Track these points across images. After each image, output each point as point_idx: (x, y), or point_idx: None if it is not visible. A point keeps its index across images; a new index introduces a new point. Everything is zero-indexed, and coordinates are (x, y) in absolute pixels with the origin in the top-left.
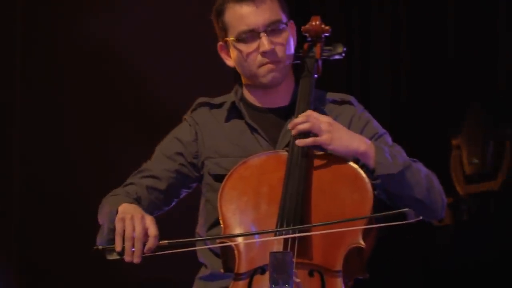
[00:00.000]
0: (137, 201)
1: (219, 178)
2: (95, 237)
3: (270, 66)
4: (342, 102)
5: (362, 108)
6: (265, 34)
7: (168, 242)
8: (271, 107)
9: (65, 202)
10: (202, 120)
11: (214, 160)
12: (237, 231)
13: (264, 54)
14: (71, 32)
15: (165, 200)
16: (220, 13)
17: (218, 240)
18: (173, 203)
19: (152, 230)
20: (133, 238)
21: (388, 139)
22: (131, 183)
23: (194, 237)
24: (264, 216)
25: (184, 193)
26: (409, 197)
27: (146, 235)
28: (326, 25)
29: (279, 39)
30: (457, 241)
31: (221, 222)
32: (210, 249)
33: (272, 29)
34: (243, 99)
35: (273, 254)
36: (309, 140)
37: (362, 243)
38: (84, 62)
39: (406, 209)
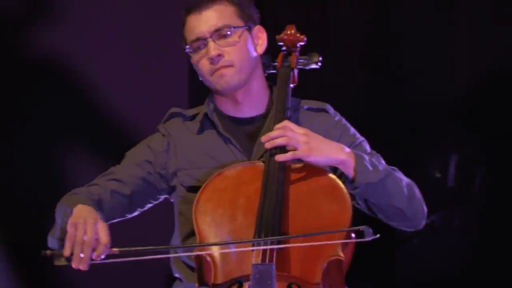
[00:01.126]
0: (99, 203)
1: (193, 189)
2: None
3: (220, 72)
4: (318, 110)
5: (339, 115)
6: (212, 40)
7: (119, 250)
8: (245, 116)
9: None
10: (175, 131)
11: (187, 171)
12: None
13: (211, 60)
14: (21, 42)
15: (128, 206)
16: (182, 28)
17: (194, 250)
18: (136, 212)
19: (103, 237)
20: (83, 244)
21: (366, 146)
22: (95, 184)
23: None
24: (240, 227)
25: (149, 204)
26: (389, 206)
27: (96, 241)
28: (301, 34)
29: (228, 44)
30: (421, 254)
31: (196, 234)
32: (184, 262)
33: (220, 34)
34: (216, 109)
35: (255, 266)
36: (288, 155)
37: (342, 255)
38: (33, 73)
39: (364, 226)
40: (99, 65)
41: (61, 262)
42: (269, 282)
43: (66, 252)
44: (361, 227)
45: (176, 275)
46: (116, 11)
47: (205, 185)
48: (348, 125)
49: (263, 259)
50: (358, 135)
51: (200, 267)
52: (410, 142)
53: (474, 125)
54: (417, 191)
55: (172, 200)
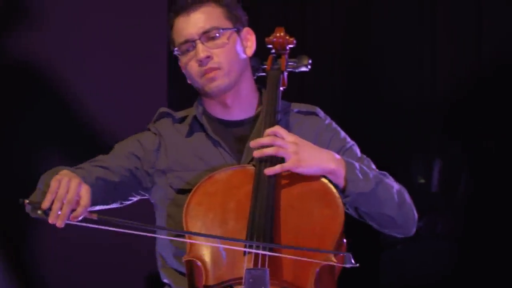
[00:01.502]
0: None
1: (182, 192)
2: None
3: (210, 74)
4: (308, 113)
5: (329, 118)
6: (200, 42)
7: (98, 217)
8: (235, 119)
9: None
10: (166, 131)
11: (177, 173)
12: (204, 248)
13: (200, 63)
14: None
15: (112, 193)
16: (170, 29)
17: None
18: (117, 204)
19: (85, 199)
20: (63, 200)
21: (357, 150)
22: (81, 168)
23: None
24: (232, 232)
25: (131, 197)
26: (380, 215)
27: (77, 202)
28: (290, 36)
29: (216, 46)
30: (404, 260)
31: (186, 237)
32: (174, 268)
33: (208, 36)
34: (205, 112)
35: (248, 271)
36: (276, 168)
37: (334, 260)
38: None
39: (346, 253)
40: (79, 70)
41: (38, 214)
42: (263, 287)
43: (45, 204)
44: (344, 253)
45: (165, 280)
46: (95, 16)
47: (195, 188)
48: (338, 128)
49: (255, 264)
50: (348, 139)
51: (191, 272)
52: (393, 148)
53: (457, 130)
54: (407, 197)
55: (153, 202)
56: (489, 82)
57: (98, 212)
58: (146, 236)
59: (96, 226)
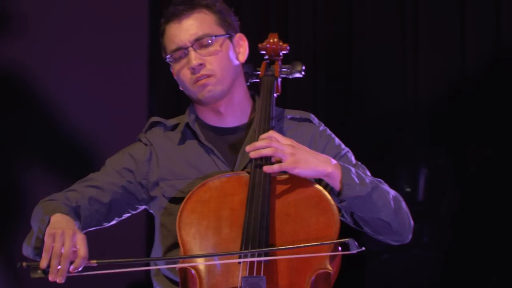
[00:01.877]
0: (76, 210)
1: (175, 201)
2: None
3: (203, 81)
4: (301, 119)
5: (323, 125)
6: (193, 50)
7: (97, 262)
8: (228, 126)
9: None
10: (157, 141)
11: (169, 182)
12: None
13: (192, 70)
14: None
15: (106, 214)
16: (161, 36)
17: (179, 262)
18: (114, 221)
19: (82, 250)
20: (60, 256)
21: (352, 157)
22: (73, 190)
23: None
24: (226, 240)
25: (127, 214)
26: (376, 220)
27: (74, 253)
28: (284, 42)
29: (209, 53)
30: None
31: (180, 246)
32: (167, 277)
33: (201, 43)
34: (198, 119)
35: (245, 279)
36: (275, 167)
37: (330, 267)
38: None
39: (349, 239)
40: (58, 78)
41: (38, 274)
42: None
43: (43, 264)
44: (346, 240)
45: None
46: (73, 27)
47: (189, 195)
48: (333, 135)
49: (251, 272)
50: (343, 145)
51: (184, 280)
52: (379, 157)
53: (442, 139)
54: (403, 204)
55: (151, 211)
56: (472, 90)
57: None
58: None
59: (98, 272)
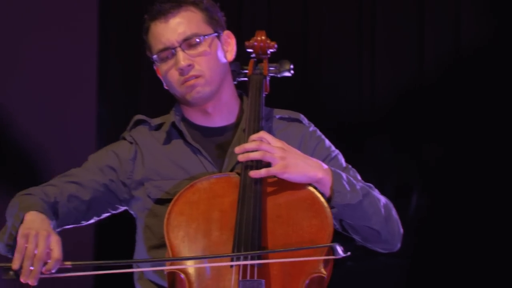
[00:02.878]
0: (54, 206)
1: (161, 202)
2: None
3: (191, 82)
4: (291, 120)
5: (313, 125)
6: (181, 50)
7: (72, 264)
8: (215, 126)
9: None
10: (142, 139)
11: (155, 182)
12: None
13: (181, 71)
14: None
15: (85, 212)
16: (145, 33)
17: (167, 264)
18: (92, 220)
19: (56, 252)
20: (33, 257)
21: (342, 159)
22: (52, 185)
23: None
24: (216, 243)
25: (106, 213)
26: (366, 228)
27: (48, 255)
28: (271, 40)
29: (197, 53)
30: (355, 277)
31: (168, 250)
32: (152, 281)
33: (189, 44)
34: (184, 119)
35: (243, 282)
36: (263, 172)
37: (324, 271)
38: None
39: (335, 243)
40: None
41: (9, 276)
42: None
43: (15, 264)
44: (331, 244)
45: None
46: (20, 29)
47: (176, 197)
48: (323, 136)
49: (244, 276)
50: (333, 147)
51: (172, 285)
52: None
53: (400, 138)
54: (393, 212)
55: (132, 212)
56: (429, 89)
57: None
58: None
59: (72, 274)
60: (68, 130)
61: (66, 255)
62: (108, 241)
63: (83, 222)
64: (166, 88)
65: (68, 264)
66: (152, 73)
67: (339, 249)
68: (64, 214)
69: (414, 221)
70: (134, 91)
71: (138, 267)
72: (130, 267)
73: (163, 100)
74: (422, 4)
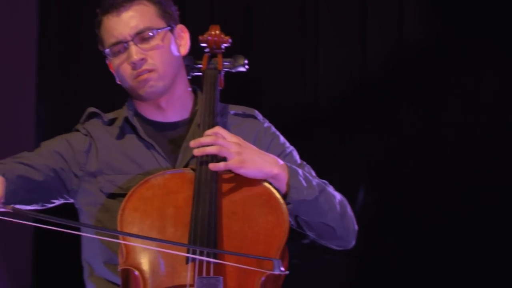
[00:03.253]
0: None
1: (113, 197)
2: None
3: (144, 77)
4: (245, 115)
5: (267, 122)
6: (133, 44)
7: (13, 208)
8: (169, 121)
9: None
10: (96, 133)
11: (108, 177)
12: (142, 255)
13: (133, 65)
14: None
15: (33, 194)
16: (97, 27)
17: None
18: (38, 205)
19: None
20: None
21: (296, 156)
22: (1, 163)
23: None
24: (171, 239)
25: (55, 200)
26: (321, 224)
27: None
28: (226, 35)
29: (150, 47)
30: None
31: (122, 246)
32: (104, 277)
33: (142, 37)
34: (137, 114)
35: (200, 279)
36: (221, 165)
37: (281, 269)
38: None
39: (275, 259)
40: None
41: None
42: None
43: None
44: (272, 259)
45: None
46: None
47: (130, 193)
48: (278, 132)
49: (200, 272)
50: (287, 144)
51: (126, 282)
52: None
53: (352, 141)
54: (348, 209)
55: (78, 206)
56: (373, 85)
57: None
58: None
59: (12, 220)
60: (8, 129)
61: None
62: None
63: (30, 203)
64: (118, 82)
65: (9, 207)
66: (90, 71)
67: (279, 266)
68: (11, 191)
69: (360, 219)
70: (73, 89)
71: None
72: (77, 229)
73: (102, 98)
74: (365, 1)
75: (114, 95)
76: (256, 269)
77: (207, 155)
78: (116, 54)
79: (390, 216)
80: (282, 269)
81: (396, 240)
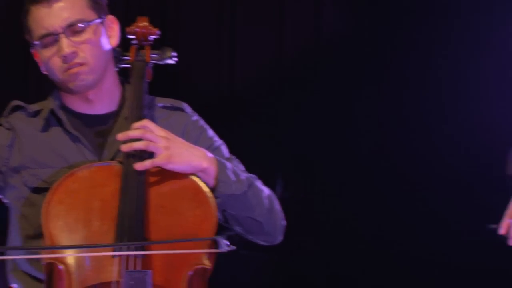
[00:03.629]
0: None
1: (38, 191)
2: None
3: (75, 70)
4: (174, 108)
5: (196, 115)
6: (64, 36)
7: None
8: (95, 114)
9: None
10: (19, 126)
11: (32, 171)
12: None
13: (64, 58)
14: None
15: None
16: (24, 16)
17: (43, 252)
18: None
19: None
20: None
21: (225, 150)
22: None
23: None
24: (97, 233)
25: None
26: (249, 219)
27: None
28: (154, 27)
29: (82, 40)
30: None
31: (47, 240)
32: (28, 273)
33: (73, 30)
34: (63, 106)
35: (129, 273)
36: (147, 163)
37: (207, 263)
38: None
39: (219, 236)
40: None
41: None
42: None
43: None
44: (217, 237)
45: (14, 285)
46: None
47: (55, 186)
48: (206, 126)
49: (127, 267)
50: (216, 137)
51: (50, 277)
52: None
53: (269, 134)
54: (276, 204)
55: (6, 201)
56: (289, 77)
57: None
58: None
59: None
60: None
61: None
62: None
63: None
64: (45, 73)
65: None
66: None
67: (223, 243)
68: None
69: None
70: (22, 79)
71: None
72: (3, 254)
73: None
74: None
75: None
76: (197, 251)
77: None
78: (45, 46)
79: (307, 211)
80: (228, 244)
81: (312, 237)
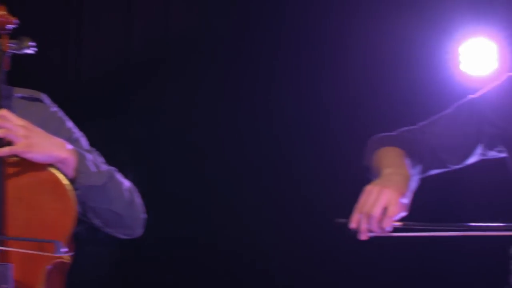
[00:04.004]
0: None
1: None
2: None
3: None
4: (32, 99)
5: (56, 106)
6: None
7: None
8: None
9: None
10: None
11: None
12: None
13: None
14: None
15: None
16: None
17: None
18: None
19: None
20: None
21: (85, 142)
22: None
23: None
24: None
25: None
26: (108, 212)
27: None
28: (12, 16)
29: None
30: None
31: None
32: None
33: None
34: None
35: None
36: (5, 150)
37: (66, 257)
38: None
39: (56, 241)
40: None
41: None
42: (5, 286)
43: None
44: (55, 241)
45: None
46: None
47: None
48: (65, 117)
49: None
50: (75, 129)
51: None
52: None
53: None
54: (137, 196)
55: None
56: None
57: None
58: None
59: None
60: None
61: None
62: None
63: None
64: None
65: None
66: None
67: (61, 248)
68: None
69: None
70: None
71: None
72: None
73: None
74: None
75: None
76: (37, 252)
77: None
78: None
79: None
80: (64, 250)
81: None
